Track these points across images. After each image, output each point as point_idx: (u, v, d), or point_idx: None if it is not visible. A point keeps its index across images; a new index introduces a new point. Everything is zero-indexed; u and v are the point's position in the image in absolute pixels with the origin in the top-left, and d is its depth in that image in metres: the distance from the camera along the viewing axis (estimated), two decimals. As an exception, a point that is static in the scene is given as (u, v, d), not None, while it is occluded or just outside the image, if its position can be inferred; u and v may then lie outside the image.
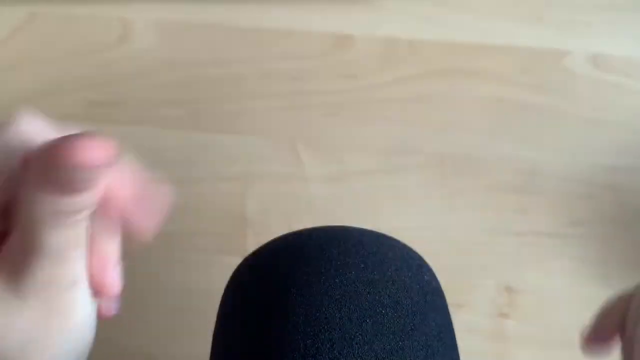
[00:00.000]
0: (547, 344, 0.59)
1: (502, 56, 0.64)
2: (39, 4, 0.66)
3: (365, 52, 0.64)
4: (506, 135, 0.63)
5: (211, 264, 0.61)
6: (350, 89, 0.64)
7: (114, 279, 0.22)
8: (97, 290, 0.22)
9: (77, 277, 0.21)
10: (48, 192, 0.18)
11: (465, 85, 0.64)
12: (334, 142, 0.63)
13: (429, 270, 0.37)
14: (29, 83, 0.65)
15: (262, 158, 0.62)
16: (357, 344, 0.31)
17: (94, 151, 0.17)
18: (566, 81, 0.64)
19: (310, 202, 0.62)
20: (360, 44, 0.64)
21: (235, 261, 0.41)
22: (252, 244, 0.41)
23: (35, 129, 0.21)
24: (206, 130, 0.63)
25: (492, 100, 0.63)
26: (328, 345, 0.31)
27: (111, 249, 0.22)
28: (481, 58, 0.64)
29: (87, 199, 0.18)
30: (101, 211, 0.20)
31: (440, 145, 0.62)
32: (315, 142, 0.63)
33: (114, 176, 0.20)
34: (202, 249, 0.61)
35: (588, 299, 0.58)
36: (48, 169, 0.17)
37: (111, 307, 0.23)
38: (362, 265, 0.34)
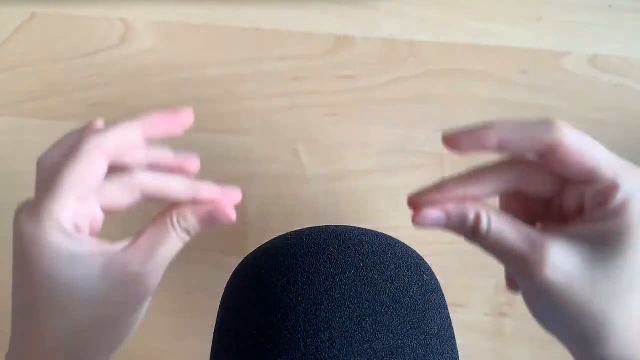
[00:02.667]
0: (546, 342, 0.59)
1: (501, 57, 0.65)
2: (40, 4, 0.66)
3: (365, 52, 0.65)
4: (506, 136, 0.63)
5: (211, 264, 0.61)
6: (350, 89, 0.64)
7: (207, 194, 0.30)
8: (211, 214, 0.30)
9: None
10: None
11: (465, 85, 0.64)
12: (334, 142, 0.63)
13: (428, 269, 0.37)
14: (29, 83, 0.65)
15: (262, 158, 0.63)
16: (356, 342, 0.31)
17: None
18: (565, 82, 0.64)
19: (310, 202, 0.62)
20: (360, 44, 0.65)
21: (235, 261, 0.41)
22: (252, 244, 0.41)
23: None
24: (206, 130, 0.63)
25: (491, 100, 0.64)
26: (328, 344, 0.31)
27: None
28: (480, 59, 0.65)
29: None
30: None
31: (440, 145, 0.62)
32: (315, 142, 0.63)
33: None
34: (202, 249, 0.61)
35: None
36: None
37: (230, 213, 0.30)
38: (362, 265, 0.34)
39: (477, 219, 0.27)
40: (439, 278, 0.38)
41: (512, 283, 0.33)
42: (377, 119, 0.63)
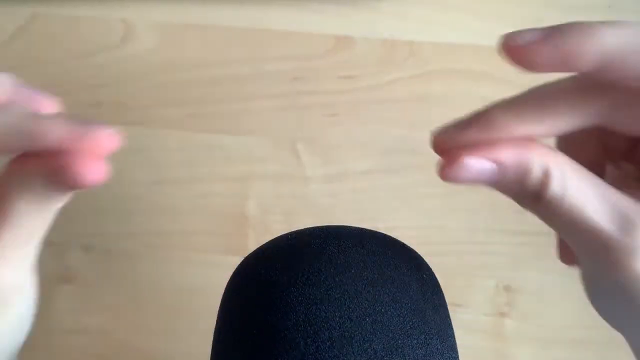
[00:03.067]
0: (546, 342, 0.59)
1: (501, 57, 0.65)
2: (41, 5, 0.66)
3: (365, 52, 0.65)
4: (505, 136, 0.63)
5: (211, 264, 0.61)
6: (350, 89, 0.64)
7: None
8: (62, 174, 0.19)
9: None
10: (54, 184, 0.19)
11: (465, 86, 0.64)
12: (334, 142, 0.63)
13: (428, 269, 0.37)
14: (29, 83, 0.65)
15: (262, 158, 0.63)
16: (356, 342, 0.31)
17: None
18: (565, 81, 0.64)
19: (310, 202, 0.62)
20: (360, 44, 0.65)
21: (235, 261, 0.41)
22: (253, 244, 0.41)
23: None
24: (206, 130, 0.63)
25: (491, 100, 0.64)
26: (328, 344, 0.31)
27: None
28: (481, 59, 0.65)
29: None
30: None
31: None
32: (315, 142, 0.63)
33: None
34: (202, 249, 0.61)
35: (586, 299, 0.58)
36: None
37: (96, 171, 0.19)
38: (362, 264, 0.34)
39: (546, 176, 0.18)
40: (439, 278, 0.38)
41: (566, 254, 0.23)
42: (377, 119, 0.63)
